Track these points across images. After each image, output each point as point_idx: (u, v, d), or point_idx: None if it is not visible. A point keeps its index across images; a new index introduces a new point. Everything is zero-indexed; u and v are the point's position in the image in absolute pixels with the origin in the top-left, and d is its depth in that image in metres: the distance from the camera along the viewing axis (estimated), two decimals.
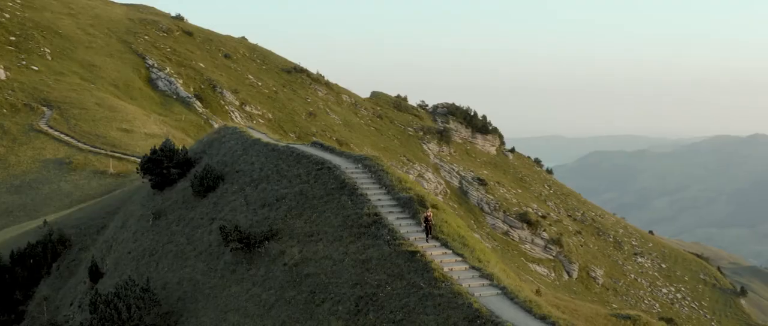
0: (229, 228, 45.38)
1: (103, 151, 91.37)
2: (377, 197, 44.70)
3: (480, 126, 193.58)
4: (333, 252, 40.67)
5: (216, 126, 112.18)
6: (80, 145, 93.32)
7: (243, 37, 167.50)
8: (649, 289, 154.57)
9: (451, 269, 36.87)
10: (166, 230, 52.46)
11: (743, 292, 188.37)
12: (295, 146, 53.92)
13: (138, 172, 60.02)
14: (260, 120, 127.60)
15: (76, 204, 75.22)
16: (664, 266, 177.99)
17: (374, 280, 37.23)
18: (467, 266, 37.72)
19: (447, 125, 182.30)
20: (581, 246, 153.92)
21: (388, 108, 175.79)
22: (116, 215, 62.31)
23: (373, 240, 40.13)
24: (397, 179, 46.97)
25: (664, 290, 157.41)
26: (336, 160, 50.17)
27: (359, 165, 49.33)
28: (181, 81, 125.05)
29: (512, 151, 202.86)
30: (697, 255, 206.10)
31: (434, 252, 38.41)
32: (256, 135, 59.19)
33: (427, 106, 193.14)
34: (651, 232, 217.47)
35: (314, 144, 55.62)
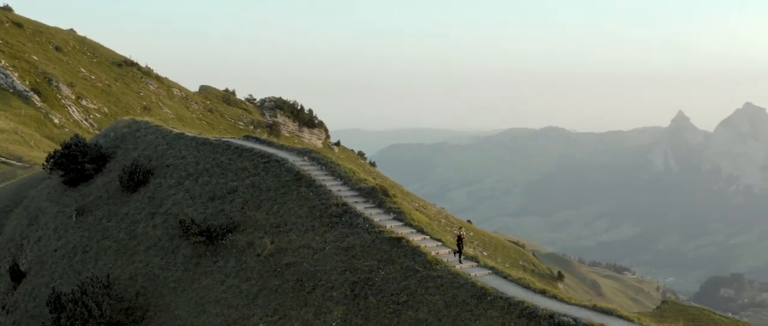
0: (188, 222, 47.43)
1: None
2: (337, 188, 48.58)
3: (307, 120, 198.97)
4: (310, 242, 44.11)
5: (56, 121, 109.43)
6: None
7: (71, 30, 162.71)
8: None
9: (437, 253, 41.70)
10: (96, 226, 53.17)
11: (560, 276, 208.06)
12: (230, 140, 56.39)
13: (45, 168, 59.57)
14: (97, 114, 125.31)
15: None
16: (485, 253, 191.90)
17: (365, 266, 41.20)
18: (449, 250, 42.67)
19: (275, 119, 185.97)
20: None
21: (218, 102, 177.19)
22: (11, 213, 61.41)
23: (350, 228, 44.03)
24: (350, 171, 51.11)
25: None
26: (281, 153, 53.37)
27: (306, 158, 52.87)
28: (16, 74, 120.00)
29: (337, 144, 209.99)
30: (514, 242, 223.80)
31: (415, 238, 43.01)
32: (176, 130, 60.73)
33: (255, 100, 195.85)
34: (469, 221, 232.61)
35: (247, 137, 58.27)
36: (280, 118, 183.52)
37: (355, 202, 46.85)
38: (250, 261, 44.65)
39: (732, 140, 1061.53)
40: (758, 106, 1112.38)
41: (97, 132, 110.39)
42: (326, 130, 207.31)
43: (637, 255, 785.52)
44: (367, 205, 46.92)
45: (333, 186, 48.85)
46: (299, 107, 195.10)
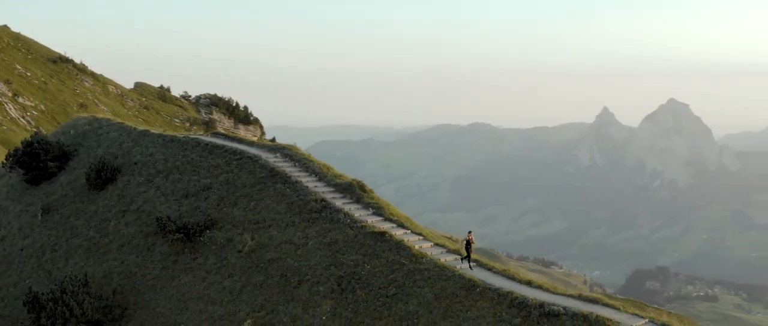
0: (164, 219, 47.99)
1: None
2: (313, 184, 49.76)
3: (242, 116, 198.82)
4: (292, 237, 45.21)
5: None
6: None
7: (5, 26, 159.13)
8: None
9: (421, 247, 43.29)
10: (64, 225, 53.18)
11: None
12: (199, 137, 56.98)
13: (5, 166, 59.07)
14: (34, 112, 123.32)
15: None
16: None
17: (350, 260, 42.50)
18: (431, 244, 44.32)
19: (211, 116, 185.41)
20: None
21: (153, 99, 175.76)
22: None
23: (332, 223, 45.30)
24: (325, 166, 52.33)
25: None
26: (252, 150, 54.23)
27: (278, 155, 53.87)
28: None
29: (273, 140, 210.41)
30: (448, 238, 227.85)
31: (397, 232, 44.53)
32: (140, 127, 60.93)
33: (190, 97, 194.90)
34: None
35: (215, 134, 58.98)
36: (216, 115, 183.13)
37: (333, 198, 48.07)
38: (231, 258, 45.47)
39: (656, 135, 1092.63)
40: (682, 101, 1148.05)
41: (34, 130, 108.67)
42: (261, 127, 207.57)
43: (564, 249, 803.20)
44: (346, 201, 48.20)
45: (309, 182, 49.98)
46: (234, 104, 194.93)
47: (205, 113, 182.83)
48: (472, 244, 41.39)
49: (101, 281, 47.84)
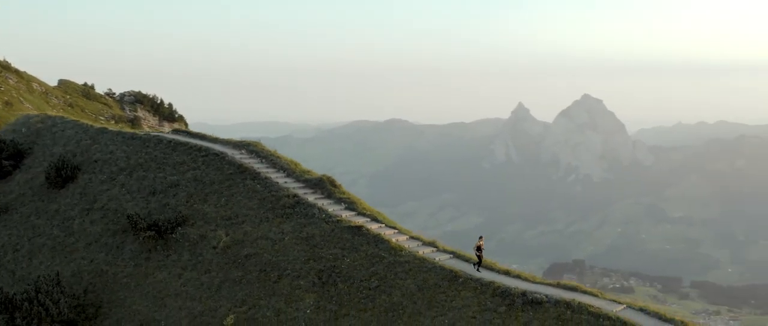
0: (135, 217, 48.47)
1: None
2: (283, 180, 50.95)
3: (167, 114, 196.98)
4: (267, 233, 46.35)
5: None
6: None
7: None
8: None
9: (398, 240, 44.98)
10: (25, 224, 52.99)
11: None
12: (161, 134, 57.37)
13: None
14: None
15: None
16: None
17: (329, 254, 43.91)
18: (407, 237, 46.07)
19: (136, 114, 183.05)
20: None
21: (78, 96, 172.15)
22: None
23: (307, 218, 46.62)
24: (292, 163, 53.54)
25: None
26: (217, 146, 55.01)
27: (244, 151, 54.77)
28: None
29: None
30: None
31: (372, 226, 46.12)
32: (97, 125, 60.82)
33: (114, 94, 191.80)
34: None
35: (176, 131, 59.38)
36: (141, 113, 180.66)
37: (305, 193, 49.35)
38: (207, 254, 46.31)
39: (571, 131, 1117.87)
40: (596, 97, 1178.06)
41: None
42: (186, 124, 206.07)
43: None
44: (317, 196, 49.52)
45: (278, 178, 51.12)
46: (159, 101, 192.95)
47: (130, 110, 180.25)
48: (483, 250, 42.27)
49: (70, 280, 47.95)
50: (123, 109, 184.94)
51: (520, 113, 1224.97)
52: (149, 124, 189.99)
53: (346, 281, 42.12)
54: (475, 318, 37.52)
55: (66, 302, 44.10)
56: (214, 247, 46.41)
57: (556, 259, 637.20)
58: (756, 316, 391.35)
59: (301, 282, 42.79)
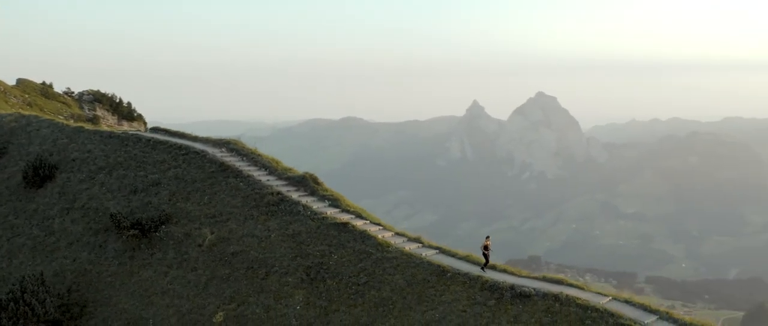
0: (119, 215, 48.74)
1: None
2: (265, 178, 51.56)
3: (126, 113, 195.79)
4: (253, 230, 46.95)
5: None
6: None
7: None
8: None
9: (384, 236, 45.89)
10: (2, 224, 52.81)
11: None
12: (139, 133, 57.60)
13: None
14: None
15: None
16: None
17: (316, 251, 44.66)
18: (392, 233, 47.01)
19: (95, 113, 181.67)
20: None
21: (37, 96, 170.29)
22: None
23: (292, 216, 47.33)
24: (273, 160, 54.18)
25: None
26: (196, 145, 55.42)
27: (224, 149, 55.27)
28: None
29: None
30: None
31: (357, 223, 46.97)
32: (73, 124, 60.81)
33: (73, 93, 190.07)
34: None
35: (155, 129, 59.55)
36: (100, 112, 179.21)
37: (288, 191, 50.03)
38: (192, 252, 46.76)
39: (525, 128, 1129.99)
40: (550, 95, 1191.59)
41: None
42: (145, 123, 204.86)
43: (437, 241, 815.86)
44: (301, 193, 50.24)
45: (260, 176, 51.73)
46: (118, 100, 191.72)
47: (89, 110, 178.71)
48: (489, 250, 42.56)
49: (53, 279, 47.99)
50: (82, 107, 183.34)
51: (475, 111, 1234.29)
52: (108, 123, 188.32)
53: (334, 277, 42.86)
54: (465, 311, 38.52)
55: (51, 302, 44.23)
56: (200, 245, 46.85)
57: (511, 256, 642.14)
58: (710, 310, 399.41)
59: (290, 279, 43.45)
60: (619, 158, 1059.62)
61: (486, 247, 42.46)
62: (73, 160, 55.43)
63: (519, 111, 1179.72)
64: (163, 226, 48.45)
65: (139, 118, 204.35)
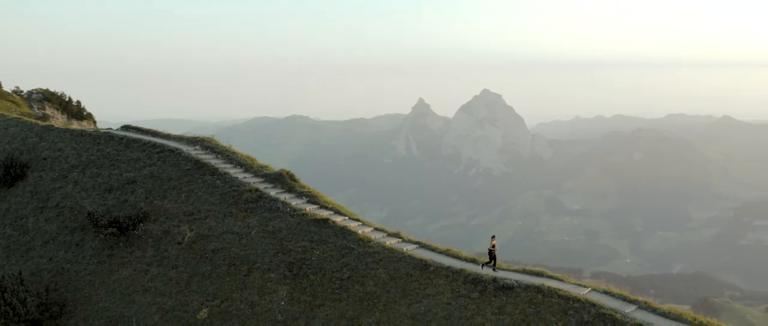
0: (96, 214, 48.87)
1: None
2: (242, 175, 52.12)
3: (75, 112, 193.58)
4: (232, 227, 47.51)
5: None
6: None
7: None
8: None
9: (364, 231, 46.83)
10: None
11: None
12: (111, 131, 57.62)
13: None
14: None
15: None
16: None
17: (297, 247, 45.41)
18: (371, 228, 47.96)
19: (45, 112, 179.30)
20: None
21: None
22: None
23: (271, 212, 48.01)
24: (248, 158, 54.72)
25: None
26: (170, 143, 55.69)
27: (198, 147, 55.64)
28: None
29: None
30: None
31: (337, 219, 47.82)
32: (42, 122, 60.45)
33: (21, 91, 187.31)
34: None
35: (126, 127, 59.54)
36: (49, 111, 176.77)
37: (266, 188, 50.68)
38: (172, 250, 47.14)
39: (471, 125, 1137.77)
40: (495, 92, 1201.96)
41: None
42: (94, 122, 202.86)
43: None
44: (278, 190, 50.92)
45: (237, 173, 52.28)
46: (67, 99, 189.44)
47: (38, 108, 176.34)
48: (496, 250, 42.78)
49: (29, 279, 47.99)
50: (31, 106, 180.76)
51: (421, 108, 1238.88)
52: (58, 122, 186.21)
53: (317, 273, 43.65)
54: (450, 304, 39.63)
55: (32, 301, 44.26)
56: (180, 243, 47.24)
57: None
58: (655, 305, 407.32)
59: (272, 275, 44.11)
60: (564, 155, 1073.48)
61: (493, 247, 42.94)
62: (45, 159, 55.28)
63: (464, 108, 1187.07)
64: (141, 224, 48.71)
65: (89, 116, 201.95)
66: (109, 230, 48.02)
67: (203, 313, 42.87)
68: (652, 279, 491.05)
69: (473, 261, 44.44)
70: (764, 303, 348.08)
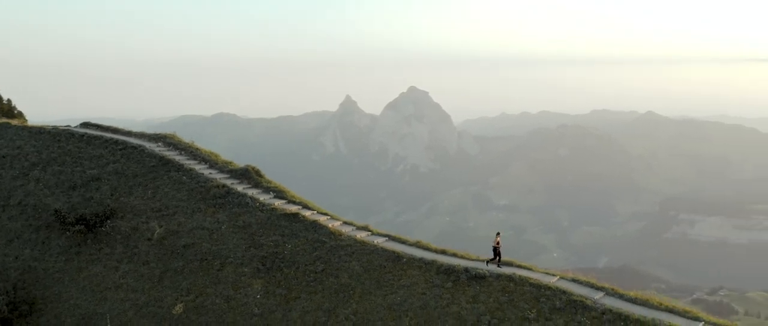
0: (63, 211, 48.77)
1: None
2: (207, 171, 52.53)
3: (6, 110, 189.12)
4: (202, 223, 47.96)
5: None
6: None
7: None
8: None
9: (334, 225, 47.78)
10: None
11: None
12: (71, 128, 57.29)
13: None
14: None
15: None
16: None
17: (269, 241, 46.11)
18: (341, 222, 48.93)
19: None
20: None
21: None
22: None
23: (241, 208, 48.59)
24: (212, 154, 55.12)
25: None
26: (132, 139, 55.72)
27: (160, 144, 55.78)
28: None
29: None
30: None
31: (306, 213, 48.68)
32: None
33: None
34: None
35: (86, 124, 59.23)
36: None
37: (232, 184, 51.20)
38: (142, 246, 47.37)
39: (398, 122, 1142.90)
40: (422, 89, 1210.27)
41: None
42: (26, 121, 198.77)
43: None
44: (245, 186, 51.49)
45: (202, 169, 52.67)
46: None
47: None
48: (500, 247, 43.38)
49: None
50: None
51: (348, 106, 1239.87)
52: None
53: (290, 266, 44.45)
54: (425, 294, 40.90)
55: (2, 299, 44.08)
56: (149, 239, 47.48)
57: None
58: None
59: (246, 269, 44.77)
60: (490, 151, 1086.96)
61: (497, 244, 43.81)
62: (3, 157, 54.75)
63: (391, 105, 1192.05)
64: (109, 221, 48.77)
65: (20, 115, 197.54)
66: (77, 227, 47.95)
67: (179, 308, 43.30)
68: (578, 273, 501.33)
69: (443, 252, 45.77)
70: (690, 295, 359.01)
